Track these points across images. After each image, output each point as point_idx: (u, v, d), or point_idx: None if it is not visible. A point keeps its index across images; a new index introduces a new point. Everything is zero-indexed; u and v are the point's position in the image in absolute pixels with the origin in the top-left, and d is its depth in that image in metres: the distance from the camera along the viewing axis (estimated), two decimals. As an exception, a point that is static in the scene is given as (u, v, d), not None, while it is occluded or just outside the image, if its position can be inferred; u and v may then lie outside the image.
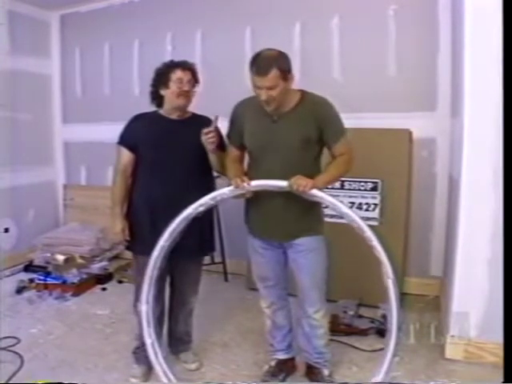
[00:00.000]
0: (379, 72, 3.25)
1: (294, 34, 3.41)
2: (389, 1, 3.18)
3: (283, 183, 1.80)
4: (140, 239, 2.12)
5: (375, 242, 1.74)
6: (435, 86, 3.14)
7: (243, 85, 3.58)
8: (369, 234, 1.76)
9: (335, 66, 3.37)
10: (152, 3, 3.94)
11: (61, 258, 3.57)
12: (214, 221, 2.41)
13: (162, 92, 2.11)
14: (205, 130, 1.96)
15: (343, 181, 3.13)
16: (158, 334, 1.94)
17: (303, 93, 1.92)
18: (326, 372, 2.12)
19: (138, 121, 2.19)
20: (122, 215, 2.14)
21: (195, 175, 2.11)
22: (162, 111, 2.17)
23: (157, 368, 1.85)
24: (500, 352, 1.92)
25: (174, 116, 2.15)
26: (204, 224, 2.15)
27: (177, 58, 2.16)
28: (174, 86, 2.06)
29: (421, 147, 3.19)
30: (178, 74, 2.07)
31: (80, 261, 3.61)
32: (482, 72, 2.15)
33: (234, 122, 2.03)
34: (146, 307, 1.85)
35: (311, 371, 2.16)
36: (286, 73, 1.80)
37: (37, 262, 3.80)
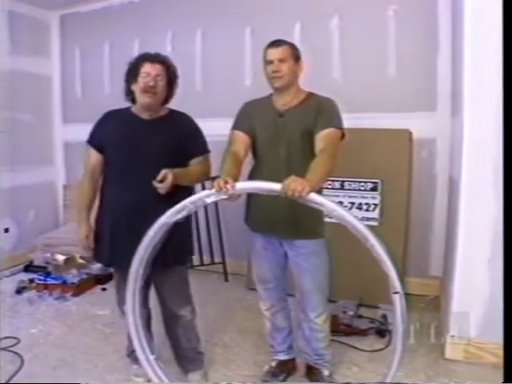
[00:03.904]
0: (379, 72, 3.25)
1: (294, 33, 3.41)
2: (389, 1, 3.19)
3: (275, 186, 1.56)
4: (101, 248, 2.00)
5: (382, 255, 1.51)
6: (435, 86, 3.14)
7: (243, 84, 3.63)
8: (377, 246, 1.51)
9: (335, 66, 3.37)
10: (152, 3, 3.94)
11: (61, 258, 3.57)
12: (210, 222, 2.28)
13: (133, 87, 1.94)
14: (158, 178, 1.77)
15: (343, 181, 3.14)
16: (149, 340, 1.88)
17: (311, 93, 1.98)
18: (325, 372, 2.12)
19: (107, 119, 2.04)
20: (87, 220, 2.02)
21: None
22: (133, 109, 2.01)
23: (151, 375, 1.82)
24: (500, 352, 1.92)
25: (144, 115, 1.97)
26: (179, 229, 1.82)
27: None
28: (140, 82, 1.90)
29: (421, 147, 3.19)
30: (145, 68, 1.89)
31: (80, 261, 3.61)
32: (482, 72, 2.15)
33: (243, 113, 2.03)
34: (132, 318, 1.78)
35: (311, 371, 2.16)
36: (296, 55, 1.92)
37: (37, 262, 3.81)
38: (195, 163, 1.99)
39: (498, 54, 1.91)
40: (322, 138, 1.83)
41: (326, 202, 1.56)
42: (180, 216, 1.65)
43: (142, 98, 1.91)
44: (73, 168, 4.50)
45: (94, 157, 2.02)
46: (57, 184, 4.55)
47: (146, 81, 1.88)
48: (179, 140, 1.95)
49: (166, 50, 3.82)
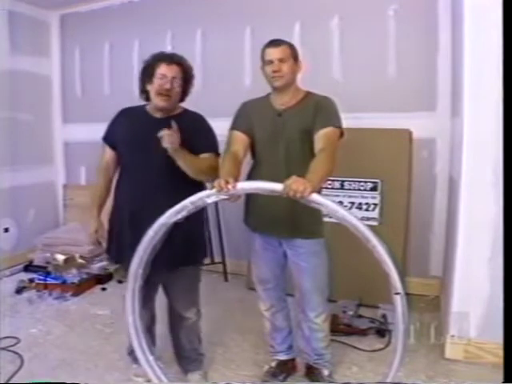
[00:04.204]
0: (379, 72, 3.25)
1: (294, 33, 3.41)
2: (389, 1, 3.19)
3: (277, 186, 1.55)
4: (112, 245, 2.01)
5: (384, 255, 1.50)
6: (435, 85, 3.14)
7: (243, 84, 3.63)
8: (378, 247, 1.51)
9: (335, 65, 3.37)
10: (152, 3, 3.94)
11: (61, 257, 3.57)
12: (210, 222, 2.21)
13: (148, 87, 1.92)
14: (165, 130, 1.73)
15: (343, 181, 3.14)
16: (148, 341, 1.86)
17: (309, 92, 1.98)
18: (325, 372, 2.12)
19: (121, 117, 2.04)
20: (98, 216, 2.03)
21: (170, 179, 1.84)
22: (148, 107, 1.99)
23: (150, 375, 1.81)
24: (500, 352, 1.92)
25: (157, 114, 1.95)
26: (189, 229, 1.86)
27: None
28: (156, 83, 1.87)
29: (421, 147, 3.19)
30: (161, 70, 1.86)
31: (80, 261, 3.61)
32: (482, 72, 2.15)
33: (241, 113, 2.03)
34: (132, 318, 1.77)
35: (311, 371, 2.16)
36: (295, 54, 1.92)
37: (37, 262, 3.80)
38: (202, 158, 1.92)
39: (498, 53, 1.91)
40: (321, 137, 1.83)
41: (327, 203, 1.55)
42: (180, 216, 1.63)
43: (156, 101, 1.89)
44: (73, 168, 4.51)
45: (108, 154, 2.04)
46: (57, 184, 4.55)
47: (162, 83, 1.86)
48: (189, 139, 1.87)
49: (166, 50, 3.82)
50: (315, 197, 1.54)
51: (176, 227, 1.69)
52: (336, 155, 1.82)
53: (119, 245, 1.96)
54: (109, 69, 4.23)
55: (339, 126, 1.89)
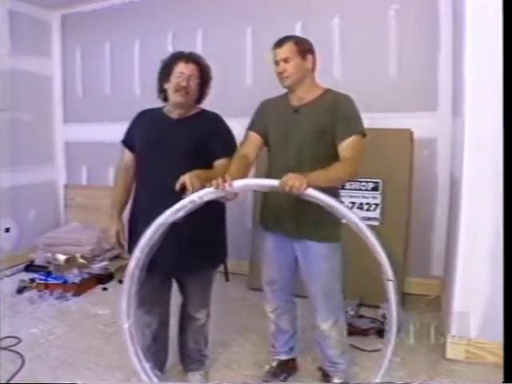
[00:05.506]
0: (380, 72, 3.25)
1: (295, 33, 3.38)
2: (390, 1, 3.18)
3: (273, 182, 1.59)
4: (131, 246, 1.97)
5: (376, 244, 1.58)
6: (436, 85, 3.14)
7: (244, 84, 3.63)
8: (370, 237, 1.58)
9: (336, 65, 3.37)
10: (153, 3, 3.94)
11: (62, 257, 3.57)
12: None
13: (166, 86, 1.94)
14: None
15: (344, 181, 3.14)
16: (151, 348, 1.83)
17: (327, 89, 1.94)
18: (336, 380, 2.06)
19: (139, 118, 2.06)
20: (118, 217, 2.04)
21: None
22: (165, 108, 2.00)
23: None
24: (500, 352, 1.92)
25: (174, 114, 1.96)
26: (205, 231, 1.93)
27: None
28: (173, 81, 1.89)
29: (422, 147, 3.19)
30: (179, 68, 1.88)
31: (81, 261, 3.62)
32: (483, 71, 2.15)
33: (257, 112, 2.02)
34: (127, 324, 1.67)
35: (323, 373, 2.13)
36: (303, 50, 1.88)
37: (38, 262, 3.81)
38: (219, 165, 1.90)
39: (499, 53, 1.91)
40: (347, 147, 1.78)
41: (322, 197, 1.58)
42: (179, 215, 1.62)
43: (174, 97, 1.91)
44: (74, 168, 4.51)
45: (127, 156, 2.04)
46: (58, 184, 4.55)
47: (179, 80, 1.88)
48: (205, 140, 1.91)
49: (167, 50, 3.83)
50: (311, 191, 1.56)
51: (196, 229, 1.79)
52: (360, 160, 1.79)
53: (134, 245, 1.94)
54: (110, 68, 4.23)
55: (363, 132, 1.83)
